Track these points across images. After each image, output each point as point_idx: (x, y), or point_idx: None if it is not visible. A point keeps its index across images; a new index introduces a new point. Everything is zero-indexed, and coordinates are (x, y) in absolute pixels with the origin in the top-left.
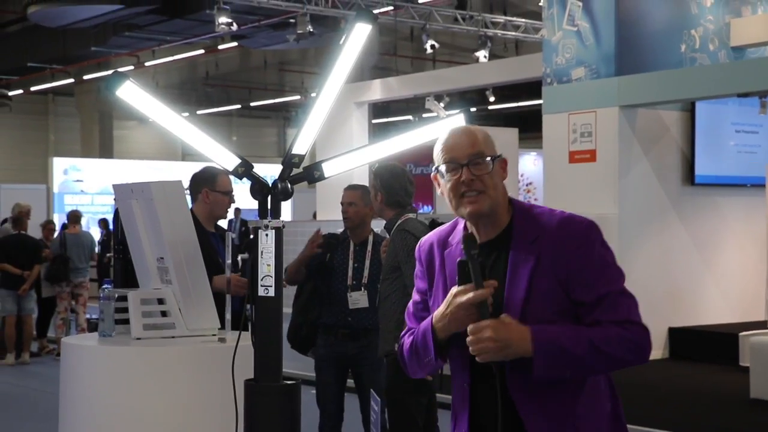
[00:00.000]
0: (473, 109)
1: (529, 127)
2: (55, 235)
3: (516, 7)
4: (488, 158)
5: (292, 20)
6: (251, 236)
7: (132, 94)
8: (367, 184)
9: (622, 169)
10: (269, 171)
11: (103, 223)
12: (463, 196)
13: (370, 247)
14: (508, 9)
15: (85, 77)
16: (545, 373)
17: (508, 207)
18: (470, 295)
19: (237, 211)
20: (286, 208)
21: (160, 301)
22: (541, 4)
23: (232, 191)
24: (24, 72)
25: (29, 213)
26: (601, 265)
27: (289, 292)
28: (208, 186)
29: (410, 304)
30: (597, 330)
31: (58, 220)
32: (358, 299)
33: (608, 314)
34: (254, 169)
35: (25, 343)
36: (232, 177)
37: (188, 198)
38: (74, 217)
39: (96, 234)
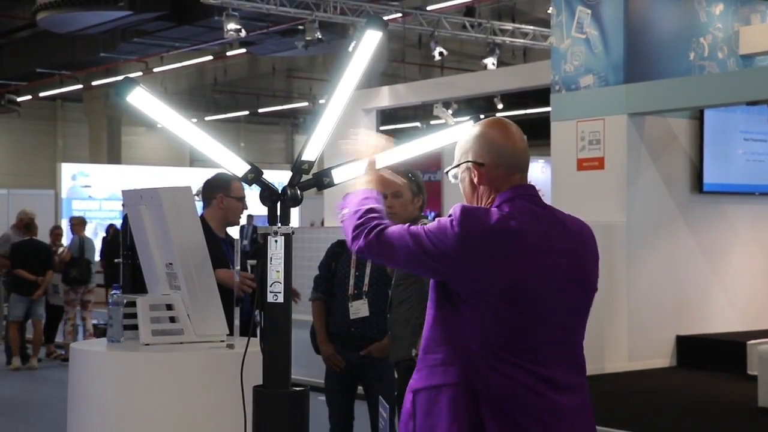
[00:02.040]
0: (482, 117)
1: (538, 135)
2: (64, 240)
3: (524, 15)
4: (450, 170)
5: (300, 27)
6: (261, 242)
7: (142, 100)
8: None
9: (631, 177)
10: (277, 177)
11: (111, 228)
12: None
13: None
14: (516, 16)
15: (94, 83)
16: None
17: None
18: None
19: (250, 217)
20: (293, 215)
21: (169, 307)
22: (549, 11)
23: (245, 197)
24: (33, 78)
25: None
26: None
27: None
28: (223, 192)
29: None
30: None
31: (67, 225)
32: (359, 309)
33: None
34: (264, 176)
35: (34, 348)
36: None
37: (199, 204)
38: (84, 221)
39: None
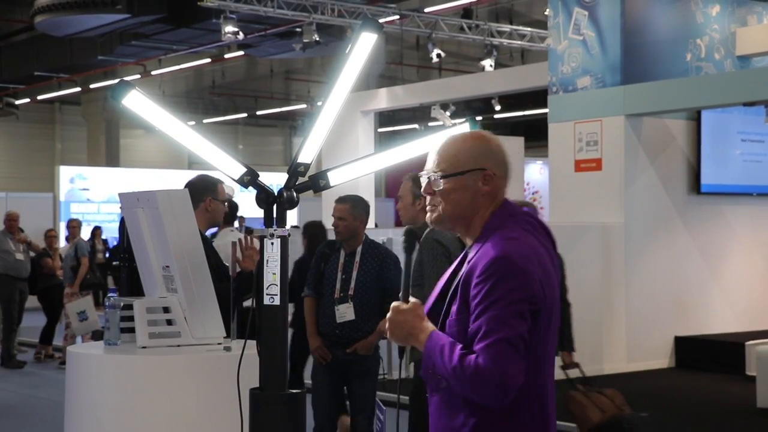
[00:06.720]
0: (479, 118)
1: (535, 136)
2: (62, 243)
3: (522, 16)
4: (441, 178)
5: (298, 29)
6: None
7: (138, 103)
8: (361, 195)
9: (628, 178)
10: (276, 180)
11: (97, 231)
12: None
13: (358, 258)
14: (513, 18)
15: (92, 86)
16: (425, 375)
17: (488, 217)
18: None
19: (241, 219)
20: (293, 216)
21: (166, 310)
22: (546, 13)
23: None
24: (31, 81)
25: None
26: (486, 301)
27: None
28: (212, 194)
29: None
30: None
31: (64, 228)
32: (345, 312)
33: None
34: (260, 178)
35: None
36: (238, 185)
37: None
38: (80, 223)
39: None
